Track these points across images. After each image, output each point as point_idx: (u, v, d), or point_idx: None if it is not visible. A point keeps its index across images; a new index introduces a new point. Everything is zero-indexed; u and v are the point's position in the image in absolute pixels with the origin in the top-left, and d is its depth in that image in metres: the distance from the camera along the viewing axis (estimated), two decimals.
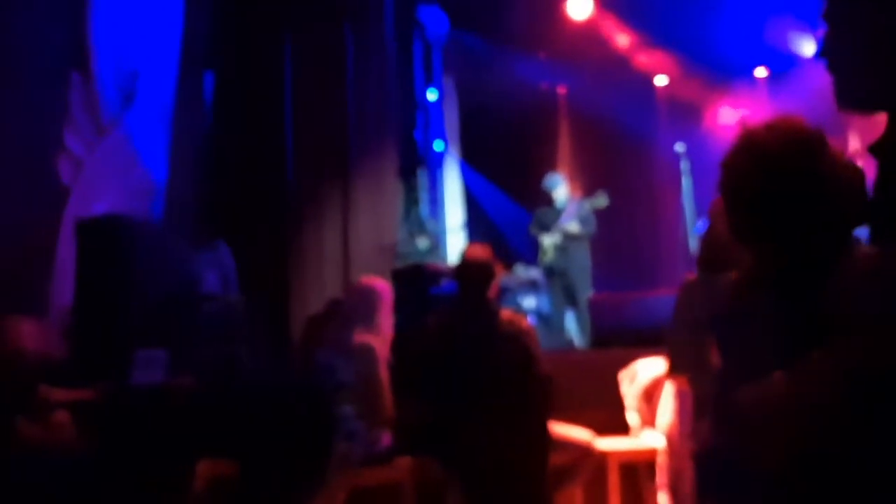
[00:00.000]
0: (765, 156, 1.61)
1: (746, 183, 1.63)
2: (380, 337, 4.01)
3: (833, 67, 1.78)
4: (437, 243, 8.28)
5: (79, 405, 4.05)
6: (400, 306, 4.21)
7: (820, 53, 1.83)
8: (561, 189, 7.84)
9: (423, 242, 7.97)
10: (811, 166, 1.59)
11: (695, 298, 2.99)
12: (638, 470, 4.18)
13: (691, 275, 3.25)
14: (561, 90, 10.41)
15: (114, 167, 6.07)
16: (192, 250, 6.07)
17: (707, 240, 3.13)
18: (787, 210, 1.58)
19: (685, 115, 9.05)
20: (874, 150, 1.73)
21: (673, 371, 3.25)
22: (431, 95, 10.16)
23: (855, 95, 1.83)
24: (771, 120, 1.66)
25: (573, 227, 7.56)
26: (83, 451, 3.89)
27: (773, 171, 1.60)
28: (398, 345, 4.04)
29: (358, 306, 4.10)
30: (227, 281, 6.40)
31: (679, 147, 7.43)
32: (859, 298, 1.49)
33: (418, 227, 8.20)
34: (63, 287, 5.27)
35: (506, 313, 3.85)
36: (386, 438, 3.92)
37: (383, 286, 4.21)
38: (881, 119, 1.73)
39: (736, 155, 1.66)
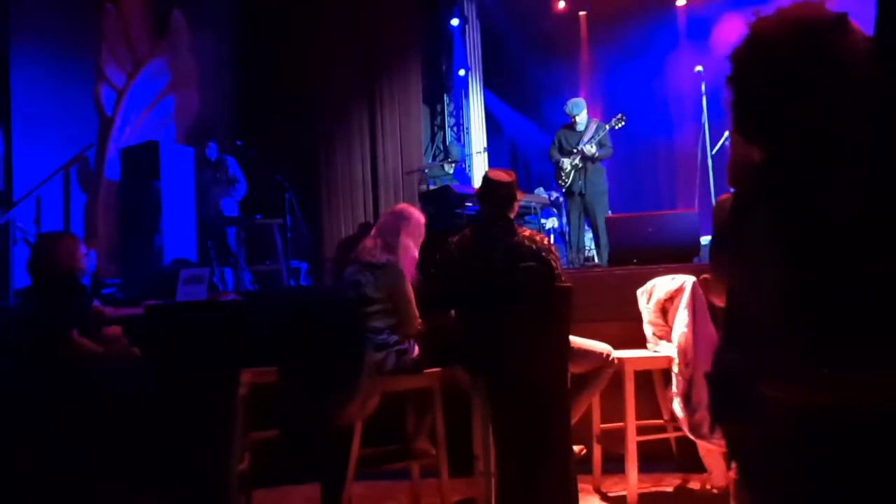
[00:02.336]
0: (770, 44, 1.50)
1: (752, 73, 1.53)
2: (406, 257, 4.13)
3: None
4: (466, 165, 8.41)
5: (129, 321, 4.30)
6: (427, 226, 4.32)
7: None
8: (583, 114, 7.91)
9: (450, 166, 8.10)
10: (822, 54, 1.45)
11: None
12: (653, 378, 4.34)
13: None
14: (582, 14, 10.34)
15: (151, 95, 6.18)
16: (199, 168, 6.11)
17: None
18: (795, 102, 1.46)
19: (706, 36, 8.99)
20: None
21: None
22: (454, 21, 10.14)
23: None
24: (783, 8, 1.53)
25: (590, 149, 7.66)
26: (134, 362, 4.15)
27: (779, 60, 1.48)
28: (424, 262, 4.17)
29: (386, 227, 4.22)
30: (235, 191, 6.40)
31: (699, 68, 7.46)
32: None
33: (448, 151, 8.33)
34: (110, 212, 5.46)
35: (526, 231, 3.96)
36: (415, 350, 4.08)
37: (414, 212, 4.32)
38: None
39: (743, 45, 1.55)
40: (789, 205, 1.46)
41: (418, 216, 4.29)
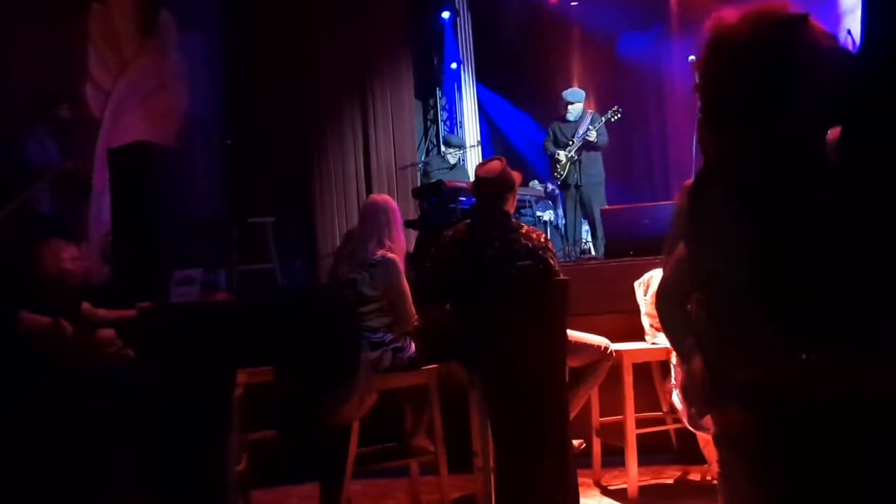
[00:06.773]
0: (733, 38, 1.52)
1: (716, 65, 1.56)
2: (395, 250, 4.11)
3: None
4: (460, 160, 8.39)
5: (122, 323, 4.27)
6: (422, 221, 4.30)
7: None
8: (578, 105, 7.87)
9: (452, 157, 8.08)
10: (785, 48, 1.48)
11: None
12: (652, 370, 4.35)
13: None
14: (574, 4, 10.31)
15: (139, 95, 6.17)
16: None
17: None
18: (756, 99, 1.49)
19: (699, 26, 8.97)
20: None
21: None
22: (445, 14, 10.11)
23: None
24: (745, 7, 1.54)
25: (592, 134, 7.60)
26: (128, 365, 4.12)
27: (741, 59, 1.51)
28: (420, 257, 4.15)
29: (369, 222, 4.18)
30: None
31: (692, 58, 7.43)
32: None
33: (448, 143, 8.29)
34: (100, 214, 5.45)
35: (524, 227, 3.89)
36: (412, 348, 4.07)
37: (388, 201, 4.29)
38: None
39: (708, 39, 1.57)
40: (752, 190, 1.48)
41: (394, 205, 4.26)
